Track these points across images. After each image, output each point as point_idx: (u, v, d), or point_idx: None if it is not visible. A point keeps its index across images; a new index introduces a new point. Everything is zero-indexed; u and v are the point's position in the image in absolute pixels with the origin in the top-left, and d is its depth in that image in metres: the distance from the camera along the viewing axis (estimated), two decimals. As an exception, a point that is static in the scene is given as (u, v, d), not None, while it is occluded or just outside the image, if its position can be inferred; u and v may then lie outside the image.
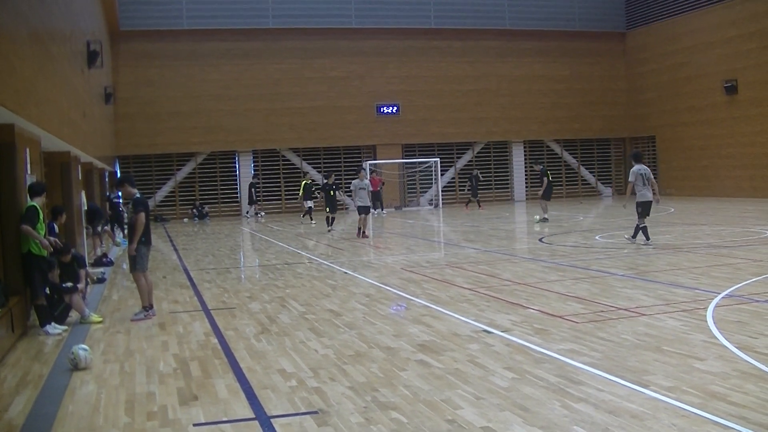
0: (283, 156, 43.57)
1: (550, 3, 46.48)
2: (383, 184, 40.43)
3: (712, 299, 11.50)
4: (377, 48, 43.94)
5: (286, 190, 43.66)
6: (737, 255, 16.70)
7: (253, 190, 40.43)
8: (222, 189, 43.20)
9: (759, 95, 37.43)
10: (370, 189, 25.89)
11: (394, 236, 25.20)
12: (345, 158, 44.19)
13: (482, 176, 42.69)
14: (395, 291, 14.17)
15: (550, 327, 10.20)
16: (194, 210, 41.45)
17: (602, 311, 11.13)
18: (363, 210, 25.13)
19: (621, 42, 48.05)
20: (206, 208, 41.77)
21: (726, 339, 8.99)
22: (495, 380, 7.82)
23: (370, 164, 41.34)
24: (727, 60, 39.26)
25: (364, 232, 25.03)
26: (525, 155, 46.86)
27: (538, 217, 28.35)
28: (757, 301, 11.31)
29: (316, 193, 34.86)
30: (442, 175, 44.75)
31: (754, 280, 13.29)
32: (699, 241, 19.93)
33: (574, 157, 48.12)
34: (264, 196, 42.57)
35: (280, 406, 7.33)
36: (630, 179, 19.32)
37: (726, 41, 39.35)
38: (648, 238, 19.28)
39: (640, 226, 19.35)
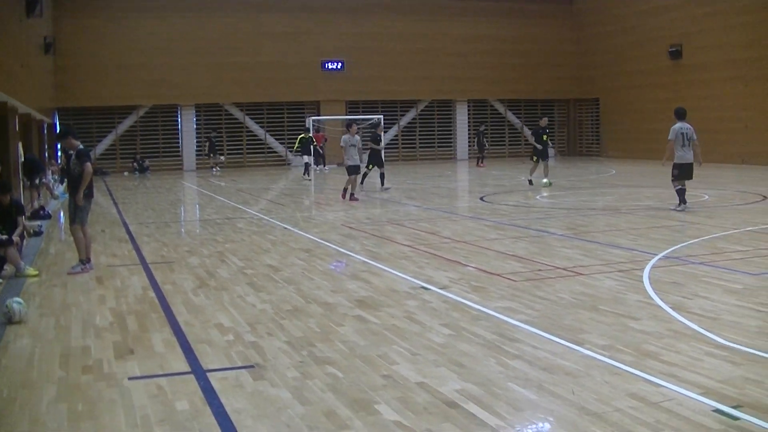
0: (227, 111, 43.10)
1: (498, -38, 46.34)
2: (326, 140, 40.14)
3: (649, 260, 11.64)
4: (325, 4, 43.45)
5: (228, 145, 43.28)
6: (676, 217, 16.92)
7: (209, 142, 40.29)
8: (164, 143, 42.69)
9: (704, 60, 37.67)
10: (361, 146, 23.52)
11: (336, 192, 25.02)
12: (288, 114, 43.84)
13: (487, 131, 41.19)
14: (335, 247, 14.16)
15: (488, 285, 10.26)
16: (135, 164, 40.92)
17: (540, 270, 11.23)
18: (353, 170, 22.82)
19: (569, 3, 48.10)
20: (147, 162, 41.25)
21: (661, 299, 9.12)
22: (432, 336, 7.86)
23: (314, 120, 41.07)
24: (676, 24, 39.42)
25: (352, 194, 22.86)
26: (469, 114, 46.88)
27: (546, 180, 26.16)
28: (693, 263, 11.48)
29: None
30: (385, 132, 44.60)
31: (691, 242, 13.49)
32: (639, 203, 20.17)
33: (518, 118, 48.26)
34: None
35: (217, 360, 7.30)
36: (670, 137, 17.61)
37: (676, 6, 39.37)
38: (683, 202, 17.86)
39: (678, 188, 17.92)
